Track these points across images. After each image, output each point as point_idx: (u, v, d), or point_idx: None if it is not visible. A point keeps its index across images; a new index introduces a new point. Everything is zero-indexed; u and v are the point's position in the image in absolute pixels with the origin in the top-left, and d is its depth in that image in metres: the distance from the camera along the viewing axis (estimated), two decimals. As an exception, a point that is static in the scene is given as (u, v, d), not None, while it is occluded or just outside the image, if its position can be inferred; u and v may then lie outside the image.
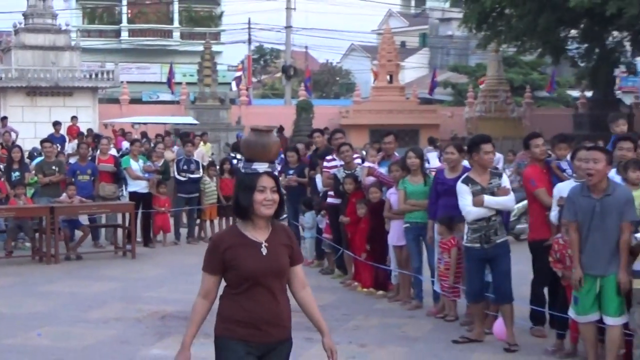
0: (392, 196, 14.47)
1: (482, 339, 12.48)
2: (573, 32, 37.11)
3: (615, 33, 37.69)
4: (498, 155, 23.43)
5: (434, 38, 78.56)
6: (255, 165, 6.39)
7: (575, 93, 51.76)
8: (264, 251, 6.29)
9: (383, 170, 15.44)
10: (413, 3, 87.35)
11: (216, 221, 23.15)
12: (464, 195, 12.05)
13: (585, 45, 38.33)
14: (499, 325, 12.32)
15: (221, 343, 6.36)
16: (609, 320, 10.88)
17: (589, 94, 44.95)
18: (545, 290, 12.39)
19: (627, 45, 39.87)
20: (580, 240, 10.99)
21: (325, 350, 6.52)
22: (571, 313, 11.27)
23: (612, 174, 11.77)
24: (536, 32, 34.57)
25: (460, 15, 39.79)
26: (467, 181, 12.08)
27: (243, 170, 6.46)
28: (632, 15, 30.02)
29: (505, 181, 12.31)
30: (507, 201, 12.15)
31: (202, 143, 30.93)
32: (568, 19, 33.62)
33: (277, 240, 6.40)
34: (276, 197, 6.31)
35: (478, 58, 58.79)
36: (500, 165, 22.26)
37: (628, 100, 47.68)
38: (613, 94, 43.94)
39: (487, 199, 11.87)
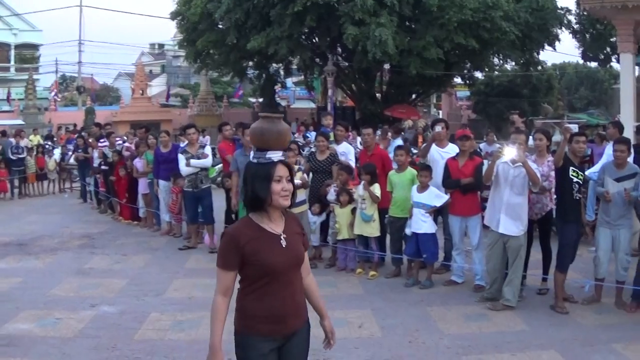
0: (138, 163, 14.52)
1: (197, 246, 12.69)
2: (251, 63, 37.23)
3: (274, 64, 38.18)
4: (207, 137, 23.49)
5: (169, 67, 77.39)
6: (269, 154, 4.13)
7: (253, 99, 52.13)
8: (284, 243, 4.14)
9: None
10: (157, 46, 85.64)
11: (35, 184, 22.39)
12: (181, 160, 12.19)
13: (258, 71, 38.62)
14: (206, 238, 12.53)
15: (243, 340, 4.22)
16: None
17: (261, 100, 45.55)
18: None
19: (282, 71, 40.56)
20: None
21: (325, 332, 4.52)
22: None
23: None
24: (229, 63, 34.69)
25: (184, 53, 39.32)
26: (183, 152, 12.21)
27: (255, 161, 4.16)
28: (283, 54, 30.76)
29: (207, 150, 12.46)
30: (204, 162, 12.27)
31: (32, 135, 30.02)
32: (247, 56, 33.84)
33: (292, 230, 4.26)
34: (291, 186, 4.17)
35: (196, 79, 58.40)
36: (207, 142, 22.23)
37: (283, 103, 48.68)
38: (274, 100, 44.74)
39: (192, 162, 12.07)
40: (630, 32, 13.30)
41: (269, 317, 4.10)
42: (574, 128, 11.20)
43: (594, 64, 48.78)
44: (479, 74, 41.03)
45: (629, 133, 12.22)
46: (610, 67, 50.42)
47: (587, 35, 39.24)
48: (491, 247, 8.98)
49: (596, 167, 10.63)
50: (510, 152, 8.44)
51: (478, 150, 13.98)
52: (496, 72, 42.93)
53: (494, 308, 8.77)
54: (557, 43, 35.34)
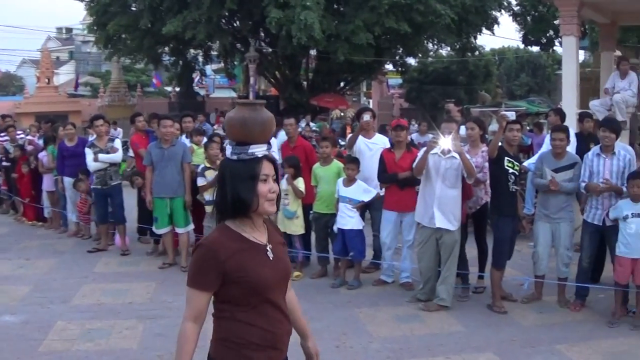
0: (44, 158, 14.27)
1: (107, 248, 12.48)
2: (166, 49, 36.88)
3: (192, 50, 37.89)
4: (118, 129, 23.25)
5: (78, 53, 76.18)
6: (253, 149, 3.54)
7: (169, 88, 51.65)
8: (271, 255, 3.60)
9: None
10: (64, 31, 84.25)
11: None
12: (88, 155, 12.02)
13: (174, 57, 38.28)
14: (117, 239, 12.40)
15: None
16: (180, 230, 11.07)
17: (178, 89, 45.18)
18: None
19: (200, 58, 40.29)
20: None
21: (308, 354, 4.03)
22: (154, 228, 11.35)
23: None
24: (143, 49, 34.27)
25: (94, 38, 38.71)
26: (91, 145, 12.04)
27: (235, 157, 3.56)
28: (201, 39, 30.53)
29: (117, 144, 12.29)
30: (113, 157, 12.13)
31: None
32: (162, 41, 33.51)
33: (275, 239, 3.73)
34: (277, 187, 3.65)
35: (107, 66, 57.61)
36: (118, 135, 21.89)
37: (202, 92, 48.34)
38: (192, 89, 44.68)
39: (101, 156, 11.92)
40: (574, 14, 13.49)
41: (265, 345, 3.57)
42: (511, 116, 11.37)
43: (535, 49, 49.55)
44: (412, 61, 41.48)
45: (571, 121, 12.48)
46: (553, 52, 51.27)
47: (529, 18, 39.83)
48: (423, 245, 9.03)
49: (535, 158, 10.75)
50: (445, 142, 8.50)
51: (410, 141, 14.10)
52: (430, 58, 43.50)
53: (427, 308, 8.84)
54: (496, 27, 35.90)
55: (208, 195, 10.78)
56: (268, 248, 3.61)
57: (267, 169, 3.56)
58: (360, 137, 10.58)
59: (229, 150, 3.63)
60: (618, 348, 7.67)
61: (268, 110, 3.73)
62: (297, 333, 3.93)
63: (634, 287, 8.48)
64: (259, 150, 3.56)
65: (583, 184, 8.87)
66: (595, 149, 9.05)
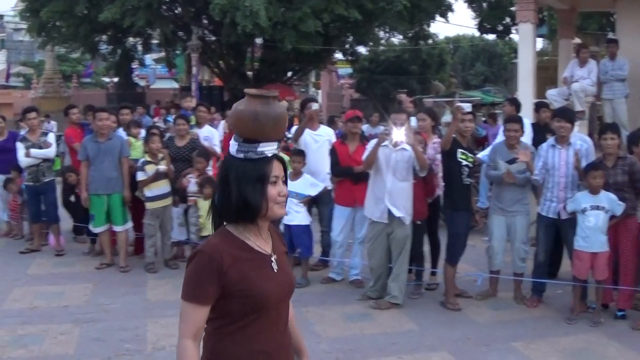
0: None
1: (40, 249, 12.35)
2: (104, 37, 36.45)
3: (131, 38, 37.48)
4: (52, 123, 22.97)
5: (9, 42, 75.04)
6: (262, 147, 3.20)
7: (107, 79, 51.15)
8: (275, 267, 3.30)
9: None
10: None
11: None
12: (20, 150, 11.87)
13: (112, 46, 37.85)
14: (51, 239, 12.24)
15: None
16: (118, 228, 10.96)
17: (116, 79, 44.76)
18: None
19: (140, 47, 39.90)
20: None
21: None
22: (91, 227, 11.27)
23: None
24: (78, 38, 33.79)
25: (26, 26, 38.07)
26: (23, 140, 11.87)
27: (241, 155, 3.21)
28: (140, 26, 30.26)
29: (51, 138, 12.12)
30: (46, 152, 11.93)
31: None
32: (99, 29, 33.06)
33: (279, 249, 3.43)
34: (286, 189, 3.35)
35: (40, 56, 56.80)
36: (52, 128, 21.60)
37: (142, 83, 47.95)
38: (131, 79, 44.17)
39: (33, 151, 11.77)
40: (531, 0, 13.68)
41: None
42: (467, 107, 11.43)
43: (491, 37, 49.87)
44: (362, 49, 41.47)
45: (527, 111, 12.61)
46: (509, 40, 51.72)
47: (484, 5, 39.99)
48: (374, 241, 9.07)
49: (489, 149, 10.84)
50: (398, 134, 8.52)
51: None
52: (382, 47, 43.53)
53: (378, 307, 8.88)
54: (450, 14, 36.02)
55: (149, 191, 10.70)
56: (273, 259, 3.32)
57: (277, 169, 3.27)
58: (306, 130, 10.60)
59: (233, 147, 3.27)
60: (577, 345, 7.78)
61: (280, 104, 3.38)
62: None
63: (593, 282, 8.63)
64: (269, 148, 3.24)
65: (538, 176, 8.98)
66: (550, 140, 9.15)
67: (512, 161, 9.03)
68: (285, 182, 3.34)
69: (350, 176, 9.76)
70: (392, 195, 8.76)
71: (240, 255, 3.18)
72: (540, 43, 39.80)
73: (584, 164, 8.74)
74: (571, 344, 7.81)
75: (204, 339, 3.27)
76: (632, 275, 8.53)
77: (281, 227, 10.10)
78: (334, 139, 10.78)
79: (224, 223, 3.31)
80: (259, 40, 32.85)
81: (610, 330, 8.23)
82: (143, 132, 12.35)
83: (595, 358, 7.43)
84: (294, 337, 3.58)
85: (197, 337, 3.17)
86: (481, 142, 15.17)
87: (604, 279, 8.48)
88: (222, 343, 3.21)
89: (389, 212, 8.81)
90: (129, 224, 11.25)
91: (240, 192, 3.18)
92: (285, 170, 3.34)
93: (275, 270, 3.29)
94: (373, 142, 9.08)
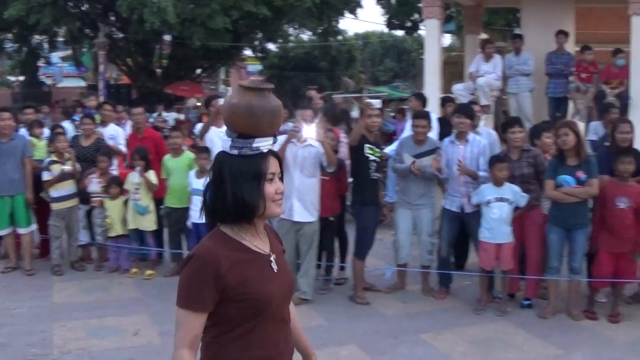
0: None
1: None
2: (9, 35, 35.62)
3: (37, 36, 36.69)
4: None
5: None
6: (257, 143, 3.01)
7: (13, 78, 50.04)
8: (275, 267, 3.13)
9: None
10: None
11: None
12: None
13: (17, 44, 36.99)
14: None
15: None
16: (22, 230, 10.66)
17: (21, 78, 43.85)
18: None
19: (46, 45, 39.10)
20: None
21: None
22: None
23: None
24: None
25: None
26: None
27: (235, 152, 3.01)
28: (46, 24, 29.71)
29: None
30: None
31: None
32: (4, 26, 32.35)
33: (277, 248, 3.26)
34: (283, 186, 3.17)
35: None
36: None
37: (48, 82, 47.09)
38: (37, 78, 43.41)
39: None
40: (437, -5, 13.80)
41: None
42: (377, 103, 11.44)
43: (400, 33, 50.32)
44: (272, 46, 41.48)
45: (434, 106, 12.75)
46: (418, 36, 52.15)
47: (393, 1, 40.28)
48: (282, 237, 8.95)
49: (396, 144, 10.89)
50: (309, 130, 8.50)
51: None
52: (291, 44, 43.58)
53: (288, 303, 8.83)
54: (359, 10, 36.29)
55: (54, 192, 10.46)
56: (272, 258, 3.14)
57: (273, 166, 3.07)
58: (212, 127, 10.46)
59: (227, 143, 3.09)
60: (484, 334, 7.91)
61: (274, 97, 3.16)
62: (298, 353, 3.44)
63: (499, 273, 8.78)
64: (264, 144, 3.04)
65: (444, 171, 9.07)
66: (450, 136, 9.30)
67: (419, 155, 9.04)
68: (282, 179, 3.16)
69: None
70: (300, 192, 8.75)
71: (237, 257, 2.99)
72: (449, 39, 40.31)
73: (482, 158, 8.89)
74: (478, 333, 7.93)
75: (202, 350, 3.07)
76: (537, 265, 8.71)
77: (189, 225, 10.02)
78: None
79: (217, 224, 3.10)
80: (167, 37, 32.54)
81: (516, 319, 8.40)
82: (46, 132, 12.07)
83: (502, 346, 7.55)
84: (299, 338, 3.44)
85: (194, 347, 2.98)
86: (389, 137, 15.23)
87: (510, 270, 8.64)
88: (223, 352, 3.02)
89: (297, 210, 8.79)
90: (34, 226, 10.97)
91: (237, 191, 2.98)
92: (281, 166, 3.15)
93: (275, 270, 3.12)
94: (280, 138, 9.02)
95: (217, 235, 3.06)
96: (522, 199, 8.47)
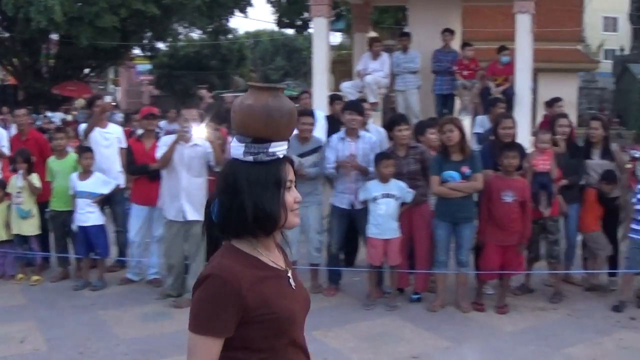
0: None
1: None
2: None
3: None
4: None
5: None
6: (273, 148, 2.67)
7: None
8: (293, 283, 2.81)
9: None
10: None
11: None
12: None
13: None
14: None
15: None
16: None
17: None
18: None
19: None
20: None
21: None
22: None
23: None
24: None
25: None
26: None
27: (252, 158, 2.66)
28: None
29: None
30: None
31: None
32: None
33: (289, 263, 2.93)
34: (299, 195, 2.82)
35: None
36: None
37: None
38: None
39: None
40: (324, -5, 13.83)
41: None
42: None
43: (290, 31, 50.50)
44: (161, 45, 41.10)
45: (322, 104, 12.77)
46: (308, 34, 52.46)
47: (283, 0, 40.39)
48: (171, 240, 8.94)
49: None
50: (199, 130, 8.41)
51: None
52: (181, 42, 43.23)
53: (178, 305, 8.70)
54: (249, 9, 36.23)
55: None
56: (289, 274, 2.83)
57: (290, 173, 2.76)
58: (96, 128, 10.34)
59: (239, 149, 2.73)
60: (375, 330, 7.95)
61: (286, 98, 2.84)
62: None
63: (388, 268, 8.84)
64: (280, 149, 2.72)
65: (331, 169, 9.07)
66: (340, 132, 9.31)
67: (303, 154, 9.04)
68: (296, 186, 2.86)
69: (147, 174, 9.60)
70: (188, 192, 8.66)
71: (257, 275, 2.67)
72: (339, 37, 40.59)
73: (372, 157, 8.88)
74: (369, 328, 7.97)
75: None
76: (426, 260, 8.81)
77: (74, 228, 9.81)
78: (122, 137, 10.61)
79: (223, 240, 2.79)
80: (54, 36, 31.85)
81: (405, 313, 8.49)
82: None
83: (392, 340, 7.60)
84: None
85: None
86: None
87: (398, 264, 8.71)
88: None
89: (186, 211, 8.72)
90: None
91: (257, 202, 2.66)
92: (294, 172, 2.84)
93: (293, 287, 2.82)
94: (166, 138, 8.93)
95: (231, 252, 2.72)
96: (408, 194, 8.54)
